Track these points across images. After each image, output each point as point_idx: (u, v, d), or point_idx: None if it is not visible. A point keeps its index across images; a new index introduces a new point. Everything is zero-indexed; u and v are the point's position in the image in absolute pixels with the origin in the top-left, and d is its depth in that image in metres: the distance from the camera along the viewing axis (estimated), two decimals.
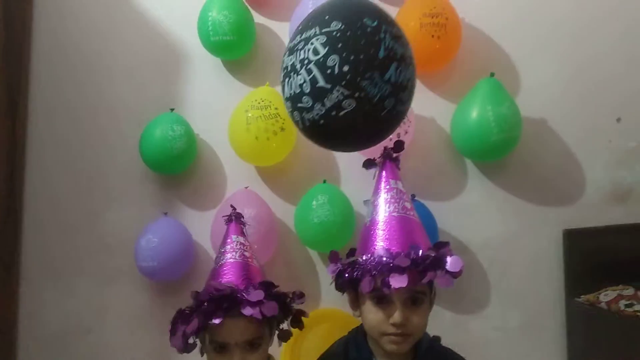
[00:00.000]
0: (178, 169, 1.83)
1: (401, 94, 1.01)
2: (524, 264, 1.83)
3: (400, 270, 0.97)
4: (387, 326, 1.00)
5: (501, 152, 1.74)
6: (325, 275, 1.88)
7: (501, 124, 1.65)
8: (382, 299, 1.02)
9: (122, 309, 1.90)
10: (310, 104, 0.99)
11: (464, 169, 1.87)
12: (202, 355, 1.14)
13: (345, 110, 0.96)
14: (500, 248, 1.83)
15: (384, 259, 1.00)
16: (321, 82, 0.96)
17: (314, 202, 1.68)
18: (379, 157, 1.15)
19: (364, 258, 1.04)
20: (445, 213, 1.81)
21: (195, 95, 1.95)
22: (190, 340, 1.10)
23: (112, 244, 1.91)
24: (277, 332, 1.18)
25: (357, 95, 0.95)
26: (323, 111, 0.98)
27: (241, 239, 1.17)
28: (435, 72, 1.86)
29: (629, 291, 1.59)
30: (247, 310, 1.02)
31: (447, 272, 1.03)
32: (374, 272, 1.00)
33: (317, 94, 0.97)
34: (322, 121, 1.00)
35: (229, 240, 1.17)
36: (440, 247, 1.05)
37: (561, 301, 1.78)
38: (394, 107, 1.00)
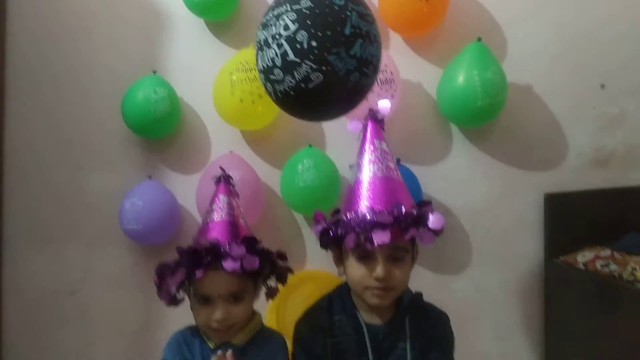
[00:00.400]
0: (161, 132, 1.81)
1: (366, 68, 1.08)
2: (505, 226, 1.87)
3: (382, 226, 0.99)
4: (370, 280, 1.03)
5: (486, 117, 1.75)
6: (310, 237, 1.90)
7: (487, 89, 1.65)
8: (365, 254, 1.04)
9: (108, 271, 1.92)
10: (281, 77, 1.05)
11: (449, 134, 1.88)
12: (192, 309, 1.16)
13: (314, 83, 1.02)
14: (482, 211, 1.86)
15: (368, 216, 1.02)
16: (291, 56, 1.02)
17: (300, 166, 1.68)
18: (363, 119, 1.15)
19: (348, 216, 1.06)
20: (430, 177, 1.83)
21: (179, 57, 1.91)
22: (179, 296, 1.12)
23: (97, 207, 1.90)
24: (264, 288, 1.20)
25: (324, 69, 1.01)
26: (293, 83, 1.04)
27: (229, 199, 1.17)
28: (422, 36, 1.84)
29: (606, 252, 1.63)
30: (228, 264, 1.04)
31: (429, 229, 1.04)
32: (358, 229, 1.01)
33: (288, 67, 1.04)
34: (292, 93, 1.07)
35: (216, 199, 1.17)
36: (423, 206, 1.07)
37: (541, 262, 1.83)
38: (359, 80, 1.07)
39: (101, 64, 1.92)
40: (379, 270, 1.01)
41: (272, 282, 1.23)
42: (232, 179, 1.22)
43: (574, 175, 1.85)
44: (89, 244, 1.92)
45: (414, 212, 1.05)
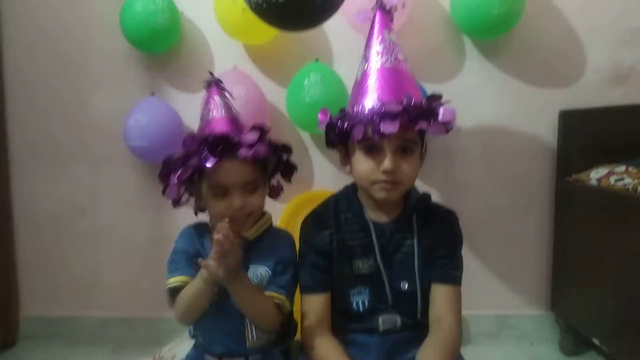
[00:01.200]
0: (162, 46, 1.75)
1: None
2: (517, 145, 1.83)
3: (391, 116, 0.95)
4: (377, 174, 1.00)
5: (502, 28, 1.66)
6: (317, 158, 1.88)
7: None
8: (372, 148, 1.00)
9: (116, 191, 1.92)
10: None
11: (462, 49, 1.80)
12: (196, 214, 1.15)
13: None
14: (494, 130, 1.82)
15: (375, 107, 0.98)
16: None
17: (306, 81, 1.63)
18: (371, 9, 1.08)
19: (355, 109, 1.02)
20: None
21: None
22: (185, 197, 1.10)
23: (101, 127, 1.88)
24: (269, 187, 1.18)
25: None
26: None
27: (225, 100, 1.13)
28: None
29: (621, 168, 1.59)
30: (243, 152, 1.03)
31: (439, 122, 1.00)
32: (365, 121, 0.98)
33: None
34: (264, 5, 1.18)
35: (211, 100, 1.12)
36: (433, 100, 1.02)
37: (552, 181, 1.80)
38: None
39: None
40: (387, 162, 0.98)
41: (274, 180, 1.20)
42: (222, 83, 1.16)
43: (591, 93, 1.78)
44: (95, 164, 1.92)
45: (424, 104, 1.00)
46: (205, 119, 1.11)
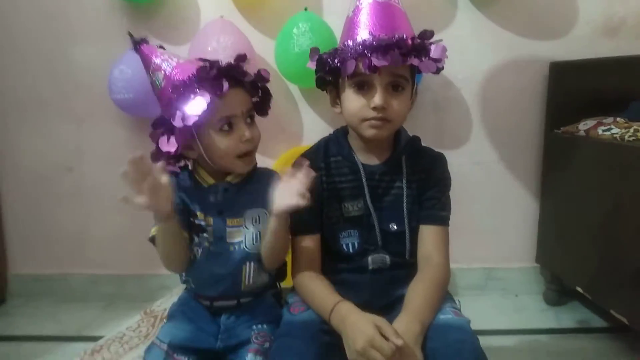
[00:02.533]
0: None
1: None
2: (508, 98, 1.82)
3: (382, 49, 0.93)
4: (367, 111, 0.99)
5: None
6: (307, 113, 1.86)
7: None
8: (363, 84, 0.99)
9: (102, 147, 1.89)
10: None
11: (454, 0, 1.77)
12: (207, 146, 1.04)
13: None
14: (485, 82, 1.81)
15: (367, 41, 0.96)
16: None
17: (295, 30, 1.59)
18: None
19: (346, 44, 1.00)
20: None
21: None
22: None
23: (85, 81, 1.84)
24: None
25: None
26: None
27: (167, 53, 1.06)
28: None
29: (609, 119, 1.60)
30: (249, 77, 1.02)
31: (431, 58, 0.99)
32: (356, 55, 0.96)
33: None
34: None
35: (153, 57, 1.04)
36: (425, 37, 1.01)
37: (541, 134, 1.81)
38: None
39: None
40: (377, 98, 0.97)
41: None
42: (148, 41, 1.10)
43: (582, 44, 1.77)
44: (80, 119, 1.88)
45: (416, 39, 0.99)
46: (165, 74, 1.02)
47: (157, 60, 1.05)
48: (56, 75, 1.86)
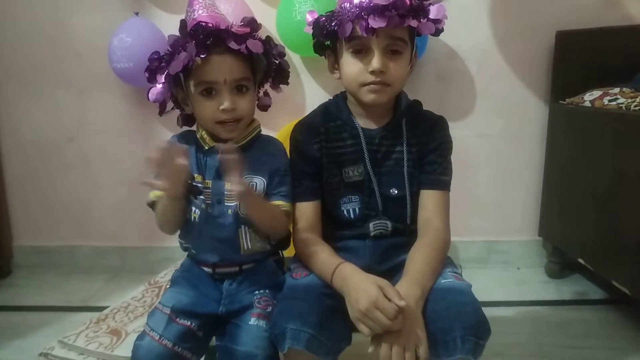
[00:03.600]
0: None
1: None
2: (513, 68, 1.80)
3: (380, 10, 0.91)
4: (366, 76, 0.97)
5: None
6: (309, 84, 1.85)
7: None
8: (360, 48, 0.98)
9: (103, 118, 1.89)
10: None
11: None
12: (180, 126, 1.13)
13: None
14: (490, 52, 1.79)
15: (364, 2, 0.93)
16: None
17: None
18: None
19: (343, 7, 0.98)
20: None
21: None
22: (169, 106, 1.06)
23: (85, 50, 1.83)
24: (258, 97, 1.14)
25: None
26: None
27: (210, 1, 1.07)
28: None
29: (615, 90, 1.58)
30: (233, 45, 0.97)
31: (430, 20, 0.97)
32: (353, 17, 0.94)
33: None
34: None
35: (194, 2, 1.06)
36: None
37: (546, 106, 1.79)
38: None
39: None
40: (375, 62, 0.95)
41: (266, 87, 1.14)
42: None
43: (589, 13, 1.74)
44: (81, 90, 1.87)
45: (415, 0, 0.96)
46: (188, 19, 1.05)
47: (195, 5, 1.04)
48: (56, 43, 1.85)
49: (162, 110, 1.07)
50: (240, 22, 1.02)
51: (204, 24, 0.98)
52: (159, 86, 1.01)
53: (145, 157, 0.87)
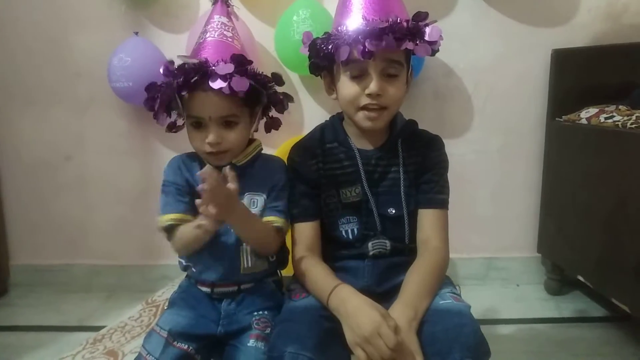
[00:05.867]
0: None
1: None
2: (509, 86, 1.82)
3: (376, 34, 0.92)
4: (363, 99, 0.98)
5: None
6: (307, 102, 1.86)
7: None
8: (358, 72, 0.98)
9: (101, 137, 1.89)
10: None
11: None
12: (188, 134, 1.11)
13: None
14: (486, 70, 1.80)
15: (360, 26, 0.95)
16: None
17: (295, 17, 1.58)
18: None
19: (339, 30, 0.99)
20: None
21: None
22: (175, 120, 1.08)
23: (84, 69, 1.84)
24: (265, 119, 1.15)
25: None
26: None
27: (224, 19, 1.09)
28: None
29: (611, 107, 1.59)
30: (216, 84, 0.97)
31: (425, 41, 0.98)
32: (350, 40, 0.95)
33: None
34: None
35: (211, 20, 1.08)
36: (420, 19, 0.99)
37: (543, 123, 1.80)
38: None
39: None
40: (373, 85, 0.96)
41: (272, 112, 1.16)
42: (230, 0, 1.11)
43: (585, 32, 1.77)
44: (80, 108, 1.88)
45: (410, 22, 0.97)
46: (198, 42, 1.06)
47: (209, 27, 1.07)
48: (56, 61, 1.86)
49: (169, 128, 1.10)
50: (229, 60, 1.01)
51: (189, 64, 1.00)
52: (159, 111, 1.03)
53: (199, 189, 0.86)
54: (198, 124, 1.02)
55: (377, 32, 0.92)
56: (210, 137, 1.00)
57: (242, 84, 0.99)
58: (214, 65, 0.99)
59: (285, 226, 1.06)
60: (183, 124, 1.09)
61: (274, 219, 1.05)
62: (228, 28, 1.08)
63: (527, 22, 1.77)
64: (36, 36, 1.85)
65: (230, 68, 0.99)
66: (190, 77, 0.98)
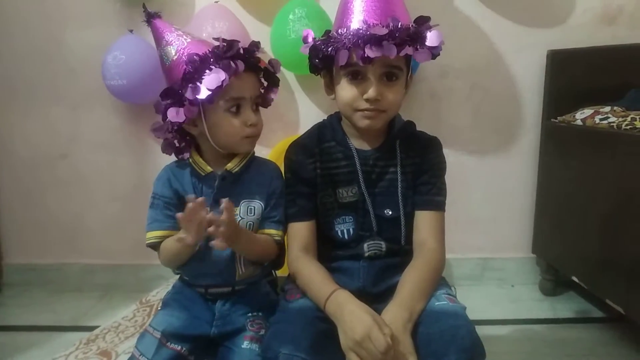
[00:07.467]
0: None
1: None
2: (505, 87, 1.82)
3: (376, 40, 0.91)
4: (361, 102, 0.98)
5: None
6: (303, 101, 1.85)
7: None
8: (357, 75, 0.98)
9: (96, 134, 1.88)
10: None
11: None
12: (169, 154, 1.09)
13: None
14: (483, 72, 1.80)
15: (360, 30, 0.94)
16: None
17: (291, 16, 1.58)
18: None
19: (339, 32, 0.98)
20: None
21: None
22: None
23: (79, 67, 1.82)
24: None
25: None
26: None
27: (179, 29, 1.06)
28: None
29: (606, 109, 1.59)
30: (262, 64, 1.03)
31: (426, 47, 0.97)
32: (350, 45, 0.94)
33: None
34: None
35: (167, 32, 1.03)
36: (421, 23, 0.99)
37: (538, 124, 1.80)
38: None
39: None
40: (371, 92, 0.95)
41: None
42: (161, 14, 1.09)
43: (580, 33, 1.77)
44: (74, 106, 1.86)
45: (411, 27, 0.97)
46: (178, 51, 1.00)
47: (171, 36, 1.04)
48: (50, 59, 1.84)
49: (176, 153, 1.09)
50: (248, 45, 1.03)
51: (228, 42, 1.00)
52: (179, 113, 0.99)
53: (178, 216, 0.91)
54: (238, 107, 1.01)
55: (378, 38, 0.92)
56: (253, 117, 1.02)
57: (278, 66, 1.09)
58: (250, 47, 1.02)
59: (283, 236, 1.06)
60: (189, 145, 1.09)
61: (274, 232, 1.05)
62: (189, 32, 1.06)
63: (522, 22, 1.77)
64: (30, 34, 1.83)
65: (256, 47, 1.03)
66: (239, 56, 0.99)
